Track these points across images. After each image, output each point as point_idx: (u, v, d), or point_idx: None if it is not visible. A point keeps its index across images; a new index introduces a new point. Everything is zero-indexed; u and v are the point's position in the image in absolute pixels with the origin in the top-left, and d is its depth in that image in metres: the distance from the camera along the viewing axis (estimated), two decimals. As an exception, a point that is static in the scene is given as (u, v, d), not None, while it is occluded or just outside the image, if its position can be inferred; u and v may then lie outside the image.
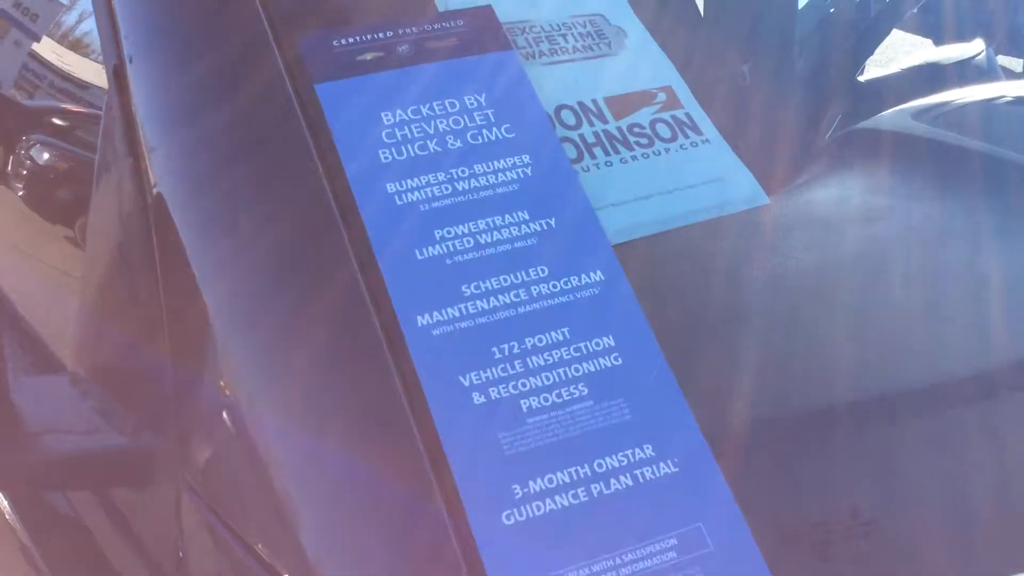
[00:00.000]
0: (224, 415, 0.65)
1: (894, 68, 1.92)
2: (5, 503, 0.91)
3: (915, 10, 2.12)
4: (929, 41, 2.34)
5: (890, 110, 1.35)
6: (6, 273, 1.20)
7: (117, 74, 0.76)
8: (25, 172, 1.17)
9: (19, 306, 1.14)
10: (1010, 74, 2.20)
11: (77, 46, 1.11)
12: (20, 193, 1.17)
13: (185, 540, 0.68)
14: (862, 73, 1.85)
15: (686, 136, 0.74)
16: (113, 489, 0.78)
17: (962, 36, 2.00)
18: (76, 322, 0.85)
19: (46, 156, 1.17)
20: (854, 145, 1.25)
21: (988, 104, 1.38)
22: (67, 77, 1.13)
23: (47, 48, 1.19)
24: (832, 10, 1.84)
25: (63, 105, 1.16)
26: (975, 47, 1.93)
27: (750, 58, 1.49)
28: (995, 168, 1.10)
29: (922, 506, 0.62)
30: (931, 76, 1.79)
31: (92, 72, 1.02)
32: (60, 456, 0.68)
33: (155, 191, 0.70)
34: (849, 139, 1.29)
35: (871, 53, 1.81)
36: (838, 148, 1.29)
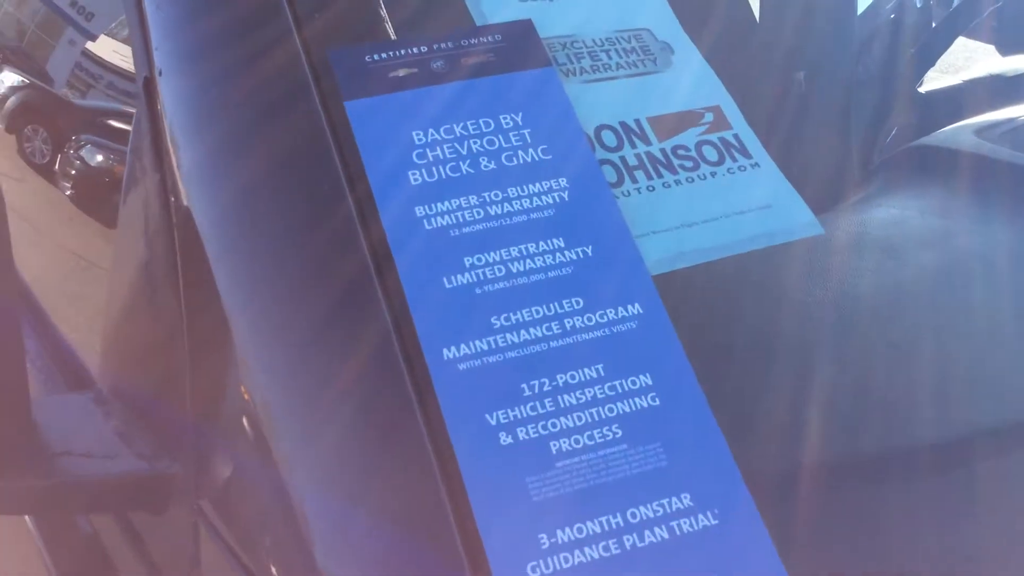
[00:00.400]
0: (242, 443, 0.63)
1: (956, 79, 1.85)
2: (29, 523, 0.91)
3: (982, 17, 2.04)
4: (991, 47, 2.26)
5: (951, 126, 1.29)
6: (45, 270, 1.20)
7: (147, 87, 0.74)
8: (73, 172, 1.17)
9: (56, 309, 1.14)
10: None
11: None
12: (67, 192, 1.17)
13: (201, 568, 0.66)
14: (922, 84, 1.78)
15: (734, 159, 0.70)
16: (132, 514, 0.77)
17: (1025, 43, 1.92)
18: (102, 336, 0.83)
19: (95, 157, 1.16)
20: (913, 163, 1.20)
21: (1059, 121, 1.31)
22: (122, 77, 1.12)
23: (103, 47, 1.19)
24: (892, 16, 1.78)
25: (114, 106, 1.15)
26: (1044, 58, 1.85)
27: (805, 66, 1.43)
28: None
29: (983, 561, 0.57)
30: (997, 89, 1.72)
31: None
32: (80, 480, 0.67)
33: (182, 208, 0.68)
34: (908, 156, 1.24)
35: (933, 63, 1.75)
36: (896, 166, 1.23)
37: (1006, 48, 2.15)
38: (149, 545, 0.75)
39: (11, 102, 1.41)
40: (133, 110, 1.07)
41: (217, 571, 0.64)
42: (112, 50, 1.16)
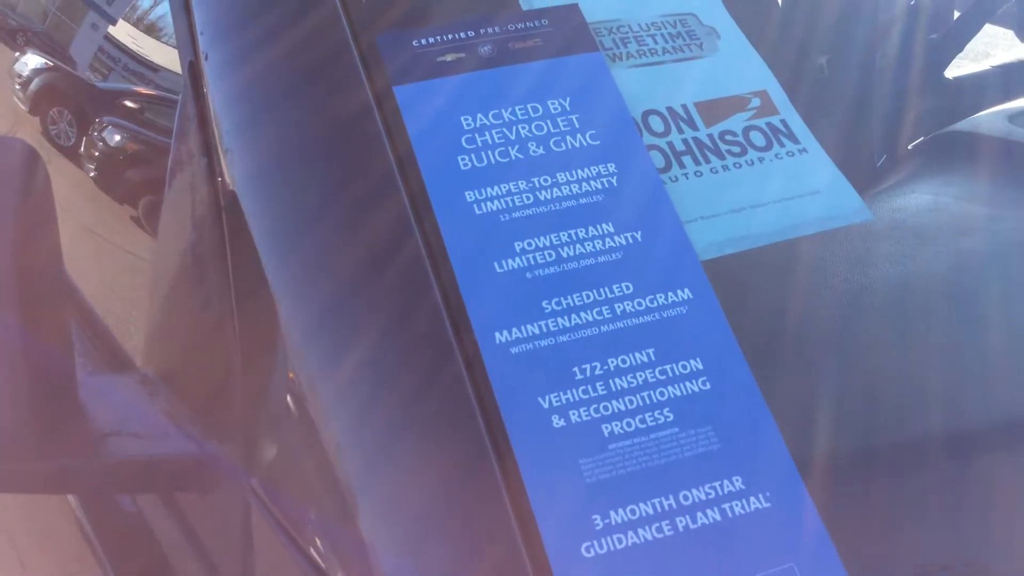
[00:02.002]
0: (293, 425, 0.63)
1: (983, 65, 1.83)
2: (74, 504, 0.92)
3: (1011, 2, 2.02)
4: (1011, 33, 2.24)
5: (984, 111, 1.28)
6: (77, 258, 1.20)
7: (192, 71, 0.74)
8: (97, 154, 1.17)
9: (90, 294, 1.15)
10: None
11: (152, 30, 1.11)
12: (92, 174, 1.18)
13: (251, 549, 0.67)
14: (950, 70, 1.77)
15: (782, 145, 0.70)
16: (179, 494, 0.78)
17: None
18: (146, 320, 0.84)
19: (118, 138, 1.17)
20: (945, 148, 1.19)
21: (1093, 107, 1.30)
22: (142, 61, 1.12)
23: (123, 31, 1.19)
24: (913, 1, 1.76)
25: (137, 88, 1.16)
26: (1075, 44, 1.83)
27: (829, 51, 1.43)
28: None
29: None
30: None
31: (166, 56, 1.01)
32: (127, 461, 0.68)
33: (229, 192, 0.69)
34: (939, 142, 1.23)
35: (961, 49, 1.73)
36: (928, 151, 1.23)
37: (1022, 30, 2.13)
38: (198, 528, 0.76)
39: (35, 84, 1.42)
40: (156, 92, 1.08)
41: (269, 549, 0.65)
42: (130, 34, 1.17)
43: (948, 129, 1.24)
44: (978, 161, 1.12)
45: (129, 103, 1.17)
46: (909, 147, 1.32)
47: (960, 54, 1.75)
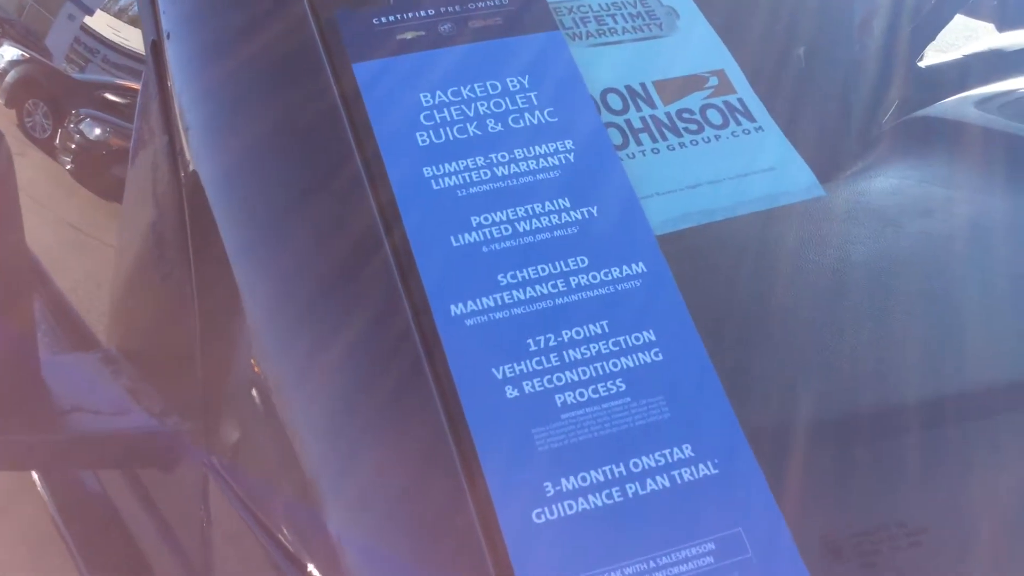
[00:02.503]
0: (252, 400, 0.64)
1: (955, 54, 1.85)
2: (37, 480, 0.92)
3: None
4: (991, 26, 2.26)
5: (951, 98, 1.30)
6: (51, 246, 1.20)
7: (155, 50, 0.74)
8: (73, 145, 1.17)
9: (60, 280, 1.15)
10: (1079, 62, 2.11)
11: (131, 20, 1.11)
12: (68, 167, 1.18)
13: (211, 523, 0.67)
14: (922, 59, 1.79)
15: (738, 123, 0.71)
16: (140, 470, 0.78)
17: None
18: (109, 298, 0.84)
19: (95, 130, 1.17)
20: (913, 133, 1.21)
21: (1056, 93, 1.32)
22: (119, 51, 1.12)
23: (100, 22, 1.19)
24: (892, -10, 1.78)
25: (113, 79, 1.16)
26: (1041, 34, 1.86)
27: (806, 41, 1.44)
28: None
29: (977, 518, 0.59)
30: (994, 63, 1.72)
31: (143, 46, 1.01)
32: (88, 436, 0.68)
33: (189, 169, 0.69)
34: (908, 127, 1.25)
35: (932, 38, 1.75)
36: (896, 136, 1.24)
37: (1005, 25, 2.16)
38: (159, 503, 0.76)
39: (11, 76, 1.41)
40: (131, 84, 1.08)
41: (227, 521, 0.65)
42: (107, 24, 1.17)
43: (916, 115, 1.26)
44: (943, 145, 1.13)
45: (107, 95, 1.16)
46: (879, 132, 1.33)
47: (940, 47, 1.77)
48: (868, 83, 1.55)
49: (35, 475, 0.93)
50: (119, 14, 1.18)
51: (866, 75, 1.55)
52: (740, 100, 0.72)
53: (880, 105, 1.56)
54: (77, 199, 1.17)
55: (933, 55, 1.85)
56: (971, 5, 2.16)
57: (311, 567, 0.57)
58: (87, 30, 1.21)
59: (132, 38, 1.08)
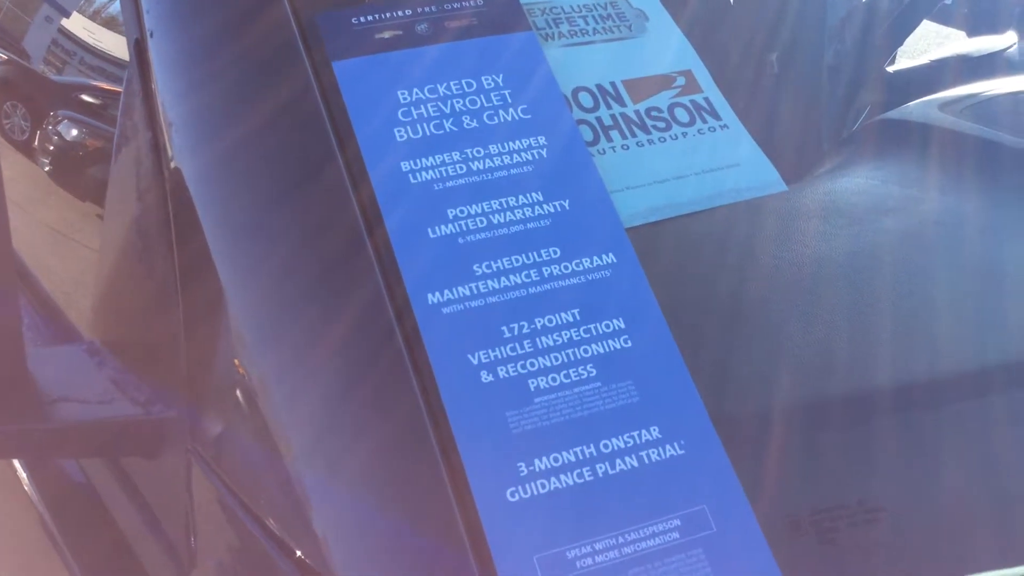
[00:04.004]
0: (235, 388, 0.66)
1: (923, 59, 1.90)
2: (22, 470, 0.93)
3: (949, 1, 2.09)
4: (963, 33, 2.31)
5: (916, 101, 1.33)
6: (31, 247, 1.21)
7: (138, 48, 0.76)
8: (51, 147, 1.18)
9: (44, 279, 1.16)
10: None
11: (107, 23, 1.12)
12: (47, 168, 1.19)
13: (194, 508, 0.69)
14: (892, 64, 1.83)
15: (704, 121, 0.74)
16: (125, 458, 0.79)
17: (996, 29, 1.97)
18: (94, 292, 0.86)
19: (73, 132, 1.18)
20: (878, 135, 1.24)
21: (1016, 96, 1.36)
22: (96, 53, 1.14)
23: (77, 24, 1.20)
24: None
25: (91, 82, 1.17)
26: (1007, 39, 1.90)
27: (779, 47, 1.47)
28: (1020, 160, 1.08)
29: (929, 496, 0.62)
30: (961, 68, 1.77)
31: (121, 49, 1.03)
32: (74, 424, 0.69)
33: (172, 165, 0.71)
34: (873, 129, 1.28)
35: (901, 43, 1.79)
36: (862, 138, 1.27)
37: (973, 31, 2.21)
38: (143, 490, 0.78)
39: (-11, 79, 1.42)
40: (109, 86, 1.09)
41: (210, 506, 0.67)
42: (83, 27, 1.18)
43: (882, 117, 1.29)
44: (906, 147, 1.16)
45: (85, 97, 1.18)
46: (846, 135, 1.37)
47: (912, 53, 1.81)
48: (839, 88, 1.59)
49: (19, 465, 0.94)
50: (94, 16, 1.20)
51: (837, 80, 1.59)
52: (707, 99, 0.75)
53: (849, 108, 1.60)
54: (56, 200, 1.19)
55: (904, 61, 1.90)
56: (943, 13, 2.21)
57: (291, 544, 0.59)
58: (64, 32, 1.22)
59: (107, 40, 1.09)
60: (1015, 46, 1.90)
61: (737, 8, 1.48)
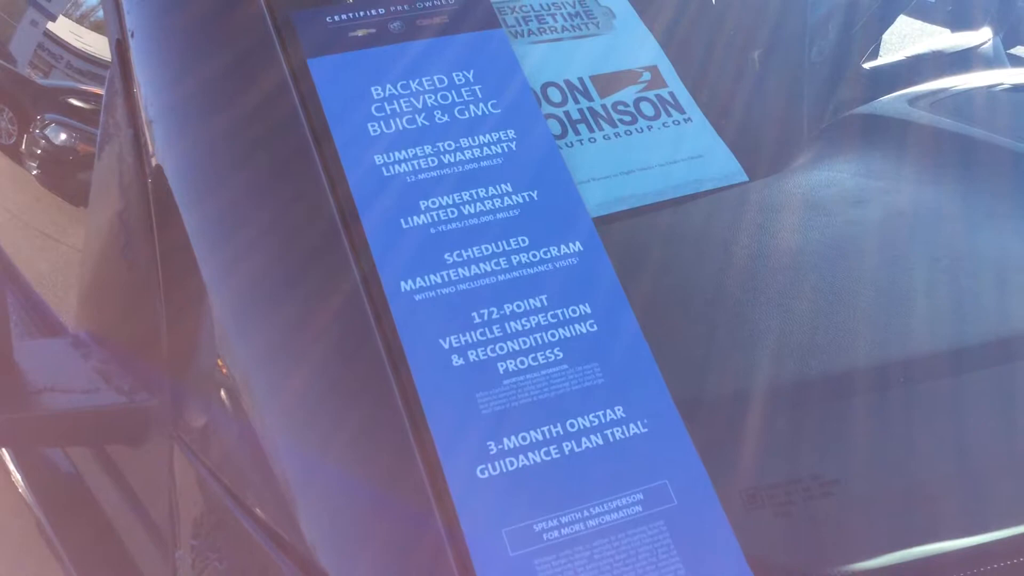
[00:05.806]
0: (215, 376, 0.68)
1: (898, 55, 1.93)
2: (8, 458, 0.95)
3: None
4: (947, 31, 2.34)
5: (888, 96, 1.36)
6: (17, 247, 1.23)
7: (120, 48, 0.78)
8: (39, 151, 1.20)
9: (32, 281, 1.17)
10: (1018, 63, 2.21)
11: (93, 26, 1.14)
12: (34, 172, 1.20)
13: (177, 492, 0.71)
14: (868, 60, 1.86)
15: (669, 115, 0.76)
16: (110, 445, 0.82)
17: (973, 25, 2.00)
18: (78, 286, 0.88)
19: (60, 135, 1.20)
20: (849, 129, 1.27)
21: (986, 91, 1.39)
22: (83, 56, 1.15)
23: (63, 28, 1.22)
24: (842, -3, 1.85)
25: (77, 85, 1.19)
26: (982, 36, 1.93)
27: (760, 44, 1.50)
28: (987, 153, 1.11)
29: (882, 470, 0.65)
30: (935, 64, 1.80)
31: (106, 52, 1.05)
32: (59, 413, 0.71)
33: (154, 161, 0.73)
34: (845, 124, 1.31)
35: (876, 40, 1.82)
36: (833, 133, 1.30)
37: (955, 26, 2.24)
38: (128, 478, 0.80)
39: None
40: (96, 89, 1.11)
41: (193, 491, 0.69)
42: (69, 31, 1.19)
43: (853, 112, 1.32)
44: (876, 140, 1.19)
45: (72, 100, 1.19)
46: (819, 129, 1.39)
47: (894, 48, 1.83)
48: (814, 84, 1.61)
49: (7, 454, 0.96)
50: (81, 20, 1.21)
51: (813, 76, 1.62)
52: (671, 93, 0.77)
53: (827, 105, 1.63)
54: (43, 204, 1.20)
55: (881, 57, 1.93)
56: (926, 11, 2.24)
57: (271, 523, 0.61)
58: (50, 36, 1.24)
59: (93, 44, 1.11)
60: (989, 42, 1.93)
61: (718, 6, 1.51)
